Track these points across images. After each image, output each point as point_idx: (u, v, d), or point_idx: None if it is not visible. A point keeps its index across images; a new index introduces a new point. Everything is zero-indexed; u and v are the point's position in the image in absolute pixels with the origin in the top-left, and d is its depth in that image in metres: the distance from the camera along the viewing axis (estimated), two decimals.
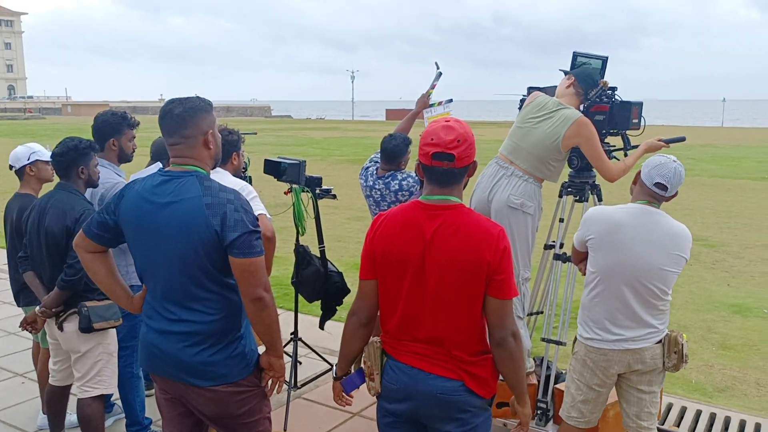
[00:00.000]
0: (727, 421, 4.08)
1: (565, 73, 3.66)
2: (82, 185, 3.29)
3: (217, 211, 2.22)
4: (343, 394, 2.41)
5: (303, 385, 4.46)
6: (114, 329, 3.28)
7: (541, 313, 4.17)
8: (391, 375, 2.20)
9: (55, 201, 3.19)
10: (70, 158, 3.23)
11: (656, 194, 2.74)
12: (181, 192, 2.26)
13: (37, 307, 3.19)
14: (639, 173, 2.83)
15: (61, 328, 3.15)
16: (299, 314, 4.54)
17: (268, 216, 3.45)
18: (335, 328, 5.00)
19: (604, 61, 3.62)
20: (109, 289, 2.51)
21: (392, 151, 4.26)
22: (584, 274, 2.94)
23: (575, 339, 2.99)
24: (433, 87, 4.39)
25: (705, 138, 34.17)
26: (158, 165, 3.78)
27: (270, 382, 2.45)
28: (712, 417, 4.14)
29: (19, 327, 3.40)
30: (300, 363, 4.67)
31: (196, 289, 2.27)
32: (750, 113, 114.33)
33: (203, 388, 2.32)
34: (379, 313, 2.26)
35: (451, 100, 4.48)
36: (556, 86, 3.69)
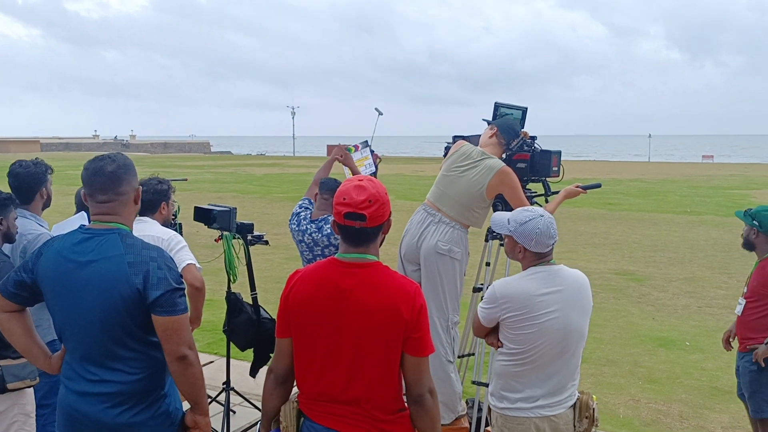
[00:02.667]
0: None
1: (488, 122, 3.82)
2: None
3: (140, 269, 2.20)
4: None
5: None
6: (31, 388, 3.16)
7: (472, 354, 4.25)
8: None
9: None
10: None
11: (551, 252, 2.71)
12: (102, 250, 2.24)
13: None
14: (515, 243, 2.72)
15: None
16: (231, 361, 4.48)
17: (198, 266, 3.44)
18: None
19: (524, 111, 3.81)
20: (26, 349, 2.44)
21: (332, 187, 4.24)
22: (496, 347, 2.80)
23: (489, 410, 2.91)
24: (355, 147, 4.49)
25: (633, 173, 35.76)
26: (83, 215, 3.72)
27: None
28: None
29: None
30: (234, 412, 4.59)
31: (118, 349, 2.24)
32: (673, 148, 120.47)
33: None
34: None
35: (367, 143, 4.57)
36: (479, 135, 3.85)
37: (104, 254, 2.23)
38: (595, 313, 7.23)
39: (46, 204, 3.70)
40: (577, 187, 3.70)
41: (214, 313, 6.73)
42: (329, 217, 4.24)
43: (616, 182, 28.75)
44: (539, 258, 2.69)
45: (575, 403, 2.72)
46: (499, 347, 2.76)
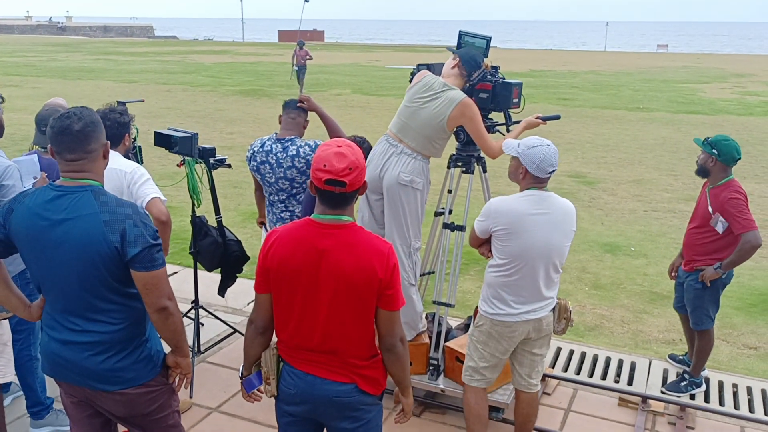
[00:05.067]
0: (595, 359, 4.63)
1: (452, 51, 3.80)
2: None
3: (116, 227, 2.24)
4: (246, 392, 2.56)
5: (207, 349, 4.60)
6: (6, 320, 3.24)
7: (433, 273, 4.47)
8: (288, 381, 2.36)
9: None
10: None
11: (548, 179, 3.07)
12: (76, 208, 2.26)
13: None
14: (519, 164, 3.08)
15: None
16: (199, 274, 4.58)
17: (162, 198, 3.45)
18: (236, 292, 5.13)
19: (488, 41, 3.80)
20: (4, 298, 2.49)
21: (291, 102, 4.20)
22: (486, 257, 3.23)
23: (476, 312, 3.28)
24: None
25: (589, 64, 35.78)
26: (34, 159, 3.65)
27: (177, 378, 2.57)
28: (583, 355, 4.68)
29: None
30: (202, 325, 4.78)
31: (98, 302, 2.32)
32: (630, 36, 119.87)
33: (112, 393, 2.40)
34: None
35: None
36: (443, 64, 3.84)
37: (78, 212, 2.25)
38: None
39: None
40: (537, 118, 3.78)
41: (180, 227, 6.76)
42: (296, 139, 4.21)
43: (572, 74, 28.84)
44: (536, 182, 3.05)
45: (555, 307, 3.23)
46: (489, 258, 3.19)
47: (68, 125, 2.26)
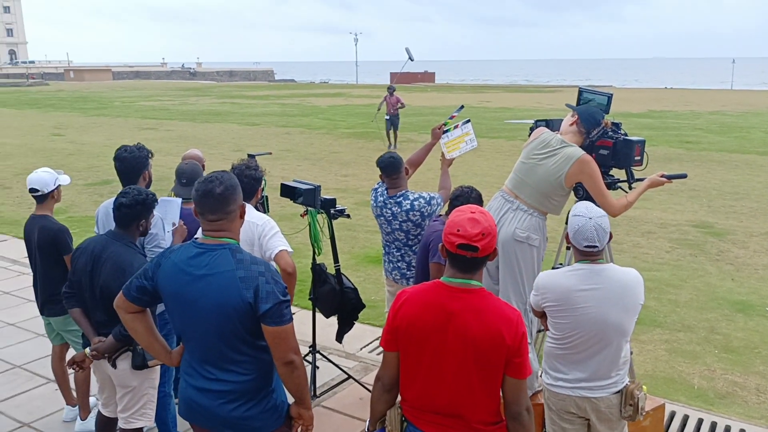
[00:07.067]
0: (727, 430, 4.31)
1: (571, 108, 3.78)
2: (136, 236, 3.37)
3: (251, 284, 2.41)
4: None
5: (322, 393, 4.72)
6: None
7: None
8: None
9: (112, 254, 3.24)
10: (136, 212, 3.28)
11: (591, 253, 2.85)
12: (215, 265, 2.45)
13: (88, 349, 3.33)
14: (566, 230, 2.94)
15: (114, 365, 3.31)
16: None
17: (289, 250, 3.64)
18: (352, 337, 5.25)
19: (609, 97, 3.75)
20: (149, 345, 2.72)
21: (387, 165, 4.37)
22: (545, 329, 3.08)
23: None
24: (451, 118, 4.50)
25: (714, 103, 33.95)
26: (178, 203, 3.96)
27: (300, 430, 2.68)
28: (713, 426, 4.37)
29: (66, 365, 3.61)
30: (317, 368, 4.92)
31: (232, 353, 2.48)
32: (760, 74, 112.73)
33: None
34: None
35: (468, 121, 4.58)
36: (561, 120, 3.83)
37: (217, 269, 2.44)
38: (671, 272, 7.26)
39: (148, 185, 3.95)
40: (661, 176, 3.67)
41: (299, 269, 7.01)
42: (408, 193, 4.35)
43: (695, 115, 27.46)
44: (583, 255, 2.87)
45: (622, 390, 2.93)
46: (547, 330, 3.04)
47: (211, 189, 2.47)
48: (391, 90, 17.93)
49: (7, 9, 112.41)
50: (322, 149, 17.93)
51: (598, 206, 3.82)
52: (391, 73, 73.94)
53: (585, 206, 2.88)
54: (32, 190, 4.01)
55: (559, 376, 2.96)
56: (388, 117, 17.97)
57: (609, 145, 3.69)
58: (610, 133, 3.72)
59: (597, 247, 2.81)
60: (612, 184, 3.78)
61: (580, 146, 3.65)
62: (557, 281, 2.90)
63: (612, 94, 3.74)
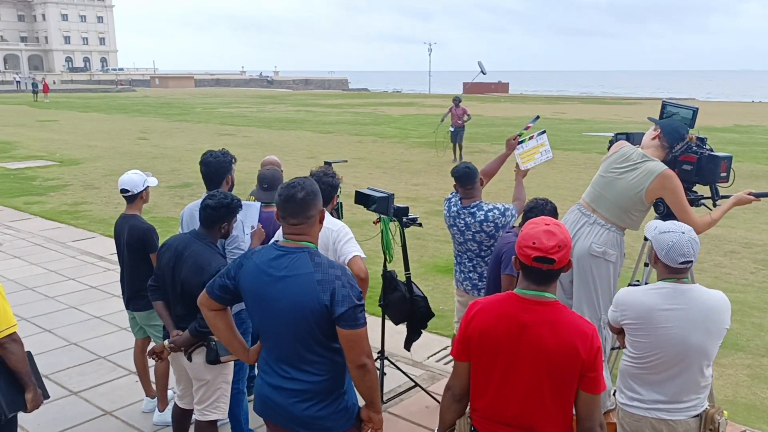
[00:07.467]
0: None
1: (654, 121, 3.70)
2: (218, 237, 3.53)
3: (327, 287, 2.48)
4: None
5: (389, 400, 4.77)
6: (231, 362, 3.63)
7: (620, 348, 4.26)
8: None
9: (193, 253, 3.42)
10: (221, 215, 3.45)
11: (684, 270, 2.76)
12: (294, 267, 2.54)
13: (167, 341, 3.53)
14: (651, 248, 2.83)
15: (189, 358, 3.48)
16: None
17: (362, 256, 3.71)
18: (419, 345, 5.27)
19: (695, 111, 3.65)
20: (228, 341, 2.84)
21: (463, 175, 4.37)
22: (622, 347, 3.00)
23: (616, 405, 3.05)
24: (526, 128, 4.49)
25: None
26: (259, 204, 4.11)
27: None
28: None
29: (146, 355, 3.81)
30: (385, 374, 4.96)
31: (307, 353, 2.56)
32: None
33: None
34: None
35: (544, 132, 4.55)
36: (643, 133, 3.74)
37: (296, 271, 2.53)
38: (756, 294, 6.94)
39: (230, 189, 4.12)
40: (749, 194, 3.53)
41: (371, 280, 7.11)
42: (482, 204, 4.36)
43: None
44: (670, 272, 2.76)
45: (701, 414, 2.80)
46: (624, 348, 2.94)
47: (293, 194, 2.56)
48: (456, 101, 17.20)
49: (100, 19, 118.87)
50: (394, 158, 18.06)
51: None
52: (463, 83, 73.77)
53: (674, 223, 2.81)
54: (123, 191, 4.25)
55: (635, 396, 2.86)
56: (452, 129, 17.25)
57: (693, 161, 3.58)
58: (695, 148, 3.61)
59: (692, 261, 2.74)
60: (695, 201, 3.67)
61: (663, 161, 3.56)
62: (638, 299, 2.81)
63: (697, 108, 3.63)
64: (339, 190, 4.51)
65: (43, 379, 3.44)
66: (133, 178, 4.26)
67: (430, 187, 13.60)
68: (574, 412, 2.32)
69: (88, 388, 4.97)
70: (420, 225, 4.68)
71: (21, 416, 3.38)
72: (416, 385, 4.84)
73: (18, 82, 68.86)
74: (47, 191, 13.11)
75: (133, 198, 4.26)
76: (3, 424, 3.22)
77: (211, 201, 3.43)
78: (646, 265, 3.86)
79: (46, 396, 3.38)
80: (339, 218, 4.62)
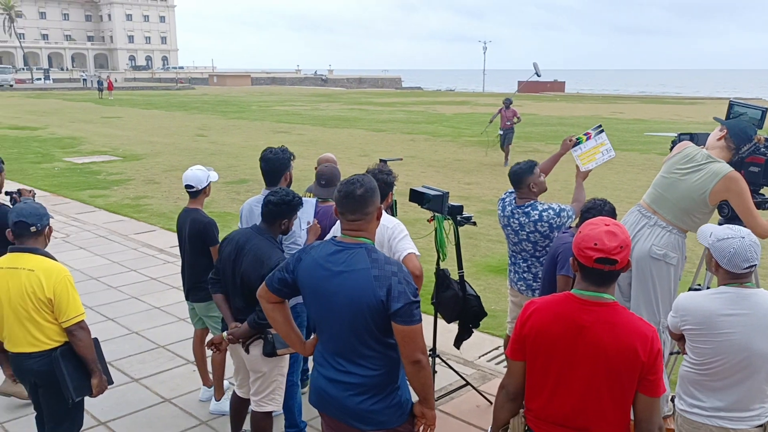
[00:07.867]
0: None
1: (720, 122, 3.59)
2: (278, 233, 3.62)
3: (384, 283, 2.51)
4: None
5: (439, 398, 4.77)
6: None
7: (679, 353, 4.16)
8: None
9: (254, 246, 3.51)
10: (281, 211, 3.54)
11: (747, 274, 2.68)
12: (352, 263, 2.58)
13: (225, 333, 3.63)
14: (711, 256, 2.75)
15: (247, 350, 3.57)
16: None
17: (417, 254, 3.73)
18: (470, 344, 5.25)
19: (764, 111, 3.53)
20: (285, 334, 2.90)
21: (516, 175, 4.34)
22: (682, 353, 2.94)
23: (674, 411, 2.99)
24: (586, 135, 4.42)
25: None
26: (315, 200, 4.18)
27: (422, 428, 2.75)
28: None
29: (205, 346, 3.93)
30: (435, 372, 4.97)
31: (363, 348, 2.59)
32: None
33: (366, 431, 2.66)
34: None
35: (601, 130, 4.48)
36: (708, 134, 3.64)
37: (353, 267, 2.57)
38: None
39: (288, 185, 4.20)
40: None
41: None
42: (537, 204, 4.31)
43: None
44: (732, 278, 2.69)
45: (765, 425, 2.73)
46: (684, 354, 2.87)
47: (352, 190, 2.61)
48: (507, 103, 16.51)
49: (162, 19, 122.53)
50: (446, 156, 18.01)
51: (744, 226, 3.64)
52: (518, 81, 72.87)
53: (730, 227, 2.73)
54: (188, 186, 4.38)
55: (695, 402, 2.80)
56: (501, 131, 16.66)
57: (761, 162, 3.47)
58: (763, 149, 3.49)
59: (756, 264, 2.68)
60: (762, 204, 3.55)
61: (728, 162, 3.46)
62: (699, 304, 2.75)
63: (767, 108, 3.51)
64: (394, 187, 4.55)
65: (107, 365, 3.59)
66: (198, 174, 4.39)
67: (482, 186, 13.51)
68: (632, 415, 2.29)
69: (149, 376, 5.15)
70: (474, 224, 4.67)
71: (86, 400, 3.55)
72: (467, 383, 4.83)
73: (84, 80, 71.69)
74: (111, 185, 13.61)
75: (196, 193, 4.39)
76: (71, 407, 3.39)
77: (273, 197, 3.52)
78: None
79: (110, 382, 3.53)
80: (393, 215, 4.66)
